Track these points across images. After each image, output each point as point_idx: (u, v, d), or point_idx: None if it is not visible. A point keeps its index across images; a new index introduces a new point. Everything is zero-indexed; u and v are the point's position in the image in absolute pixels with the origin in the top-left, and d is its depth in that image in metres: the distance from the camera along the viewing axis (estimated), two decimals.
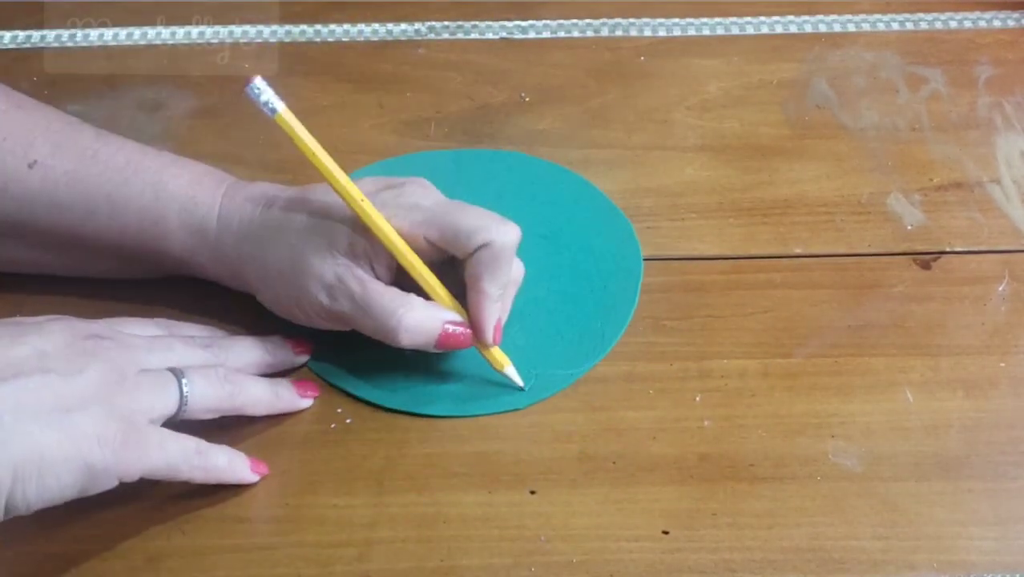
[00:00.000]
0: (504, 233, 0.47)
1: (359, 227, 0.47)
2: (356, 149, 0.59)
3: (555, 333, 0.51)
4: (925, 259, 0.54)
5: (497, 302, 0.48)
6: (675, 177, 0.58)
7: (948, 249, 0.55)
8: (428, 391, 0.49)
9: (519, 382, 0.49)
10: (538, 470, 0.46)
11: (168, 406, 0.43)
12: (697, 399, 0.49)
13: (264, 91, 0.45)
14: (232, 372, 0.46)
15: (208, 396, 0.44)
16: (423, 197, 0.49)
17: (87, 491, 0.41)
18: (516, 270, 0.50)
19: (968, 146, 0.60)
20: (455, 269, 0.48)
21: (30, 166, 0.49)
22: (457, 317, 0.48)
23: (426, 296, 0.48)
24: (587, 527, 0.44)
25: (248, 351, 0.49)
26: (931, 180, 0.58)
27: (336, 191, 0.46)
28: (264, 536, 0.44)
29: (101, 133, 0.51)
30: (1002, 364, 0.50)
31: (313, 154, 0.46)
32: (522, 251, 0.49)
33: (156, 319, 0.49)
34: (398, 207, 0.47)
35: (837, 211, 0.56)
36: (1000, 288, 0.53)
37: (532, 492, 0.46)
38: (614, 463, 0.47)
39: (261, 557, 0.44)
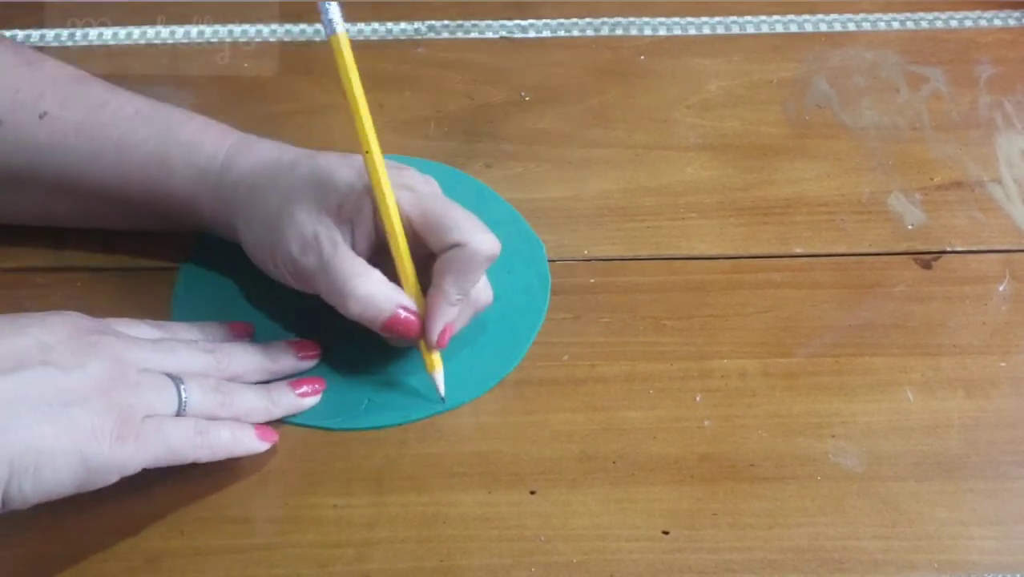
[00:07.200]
0: (481, 241, 0.46)
1: (354, 192, 0.47)
2: (356, 148, 0.59)
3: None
4: (926, 258, 0.54)
5: (454, 307, 0.47)
6: (675, 176, 0.58)
7: (949, 249, 0.55)
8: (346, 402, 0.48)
9: (441, 391, 0.48)
10: (538, 470, 0.46)
11: (166, 408, 0.43)
12: (697, 399, 0.49)
13: (332, 11, 0.45)
14: (224, 382, 0.46)
15: (203, 404, 0.44)
16: (422, 183, 0.49)
17: (87, 485, 0.40)
18: (484, 292, 0.49)
19: (969, 145, 0.60)
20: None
21: (40, 117, 0.50)
22: (412, 305, 0.47)
23: (395, 279, 0.47)
24: (587, 527, 0.44)
25: (250, 357, 0.48)
26: (932, 179, 0.58)
27: (356, 128, 0.46)
28: (263, 536, 0.44)
29: (110, 86, 0.52)
30: (1003, 364, 0.50)
31: (351, 85, 0.46)
32: None
33: (153, 321, 0.48)
34: (393, 183, 0.47)
35: (838, 210, 0.56)
36: (1001, 288, 0.53)
37: (532, 492, 0.46)
38: (614, 463, 0.47)
39: (260, 557, 0.44)
